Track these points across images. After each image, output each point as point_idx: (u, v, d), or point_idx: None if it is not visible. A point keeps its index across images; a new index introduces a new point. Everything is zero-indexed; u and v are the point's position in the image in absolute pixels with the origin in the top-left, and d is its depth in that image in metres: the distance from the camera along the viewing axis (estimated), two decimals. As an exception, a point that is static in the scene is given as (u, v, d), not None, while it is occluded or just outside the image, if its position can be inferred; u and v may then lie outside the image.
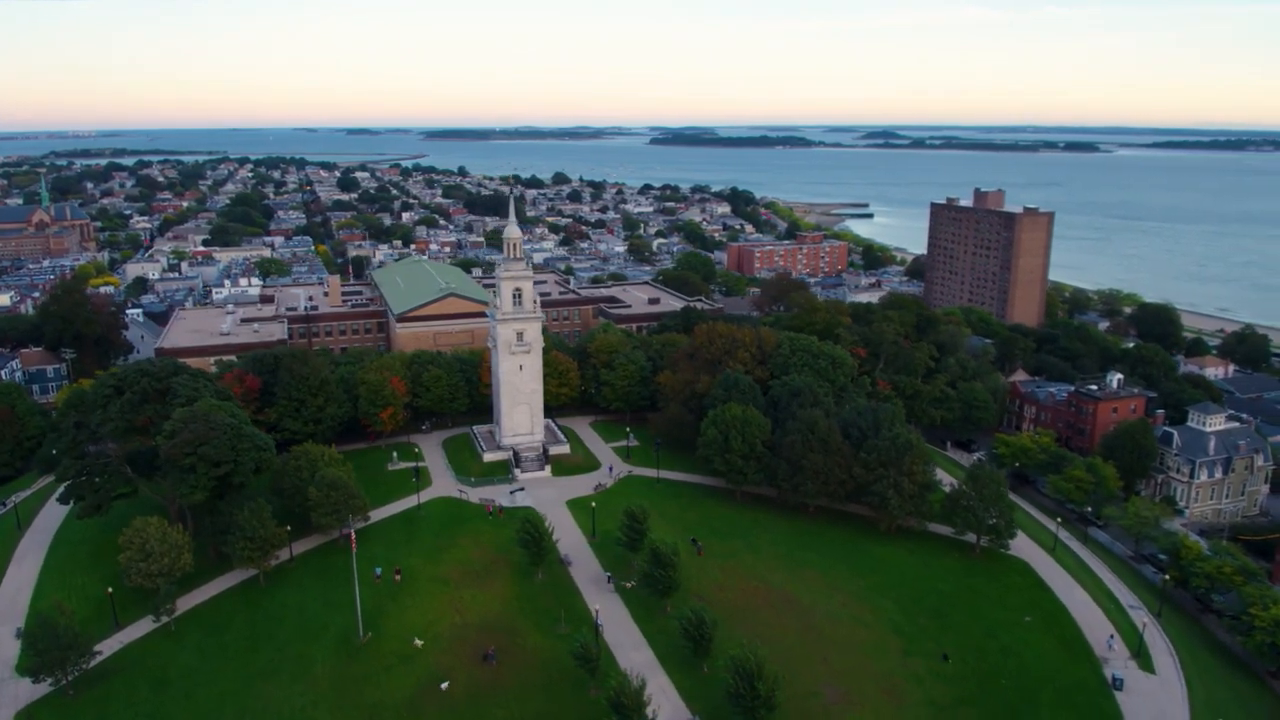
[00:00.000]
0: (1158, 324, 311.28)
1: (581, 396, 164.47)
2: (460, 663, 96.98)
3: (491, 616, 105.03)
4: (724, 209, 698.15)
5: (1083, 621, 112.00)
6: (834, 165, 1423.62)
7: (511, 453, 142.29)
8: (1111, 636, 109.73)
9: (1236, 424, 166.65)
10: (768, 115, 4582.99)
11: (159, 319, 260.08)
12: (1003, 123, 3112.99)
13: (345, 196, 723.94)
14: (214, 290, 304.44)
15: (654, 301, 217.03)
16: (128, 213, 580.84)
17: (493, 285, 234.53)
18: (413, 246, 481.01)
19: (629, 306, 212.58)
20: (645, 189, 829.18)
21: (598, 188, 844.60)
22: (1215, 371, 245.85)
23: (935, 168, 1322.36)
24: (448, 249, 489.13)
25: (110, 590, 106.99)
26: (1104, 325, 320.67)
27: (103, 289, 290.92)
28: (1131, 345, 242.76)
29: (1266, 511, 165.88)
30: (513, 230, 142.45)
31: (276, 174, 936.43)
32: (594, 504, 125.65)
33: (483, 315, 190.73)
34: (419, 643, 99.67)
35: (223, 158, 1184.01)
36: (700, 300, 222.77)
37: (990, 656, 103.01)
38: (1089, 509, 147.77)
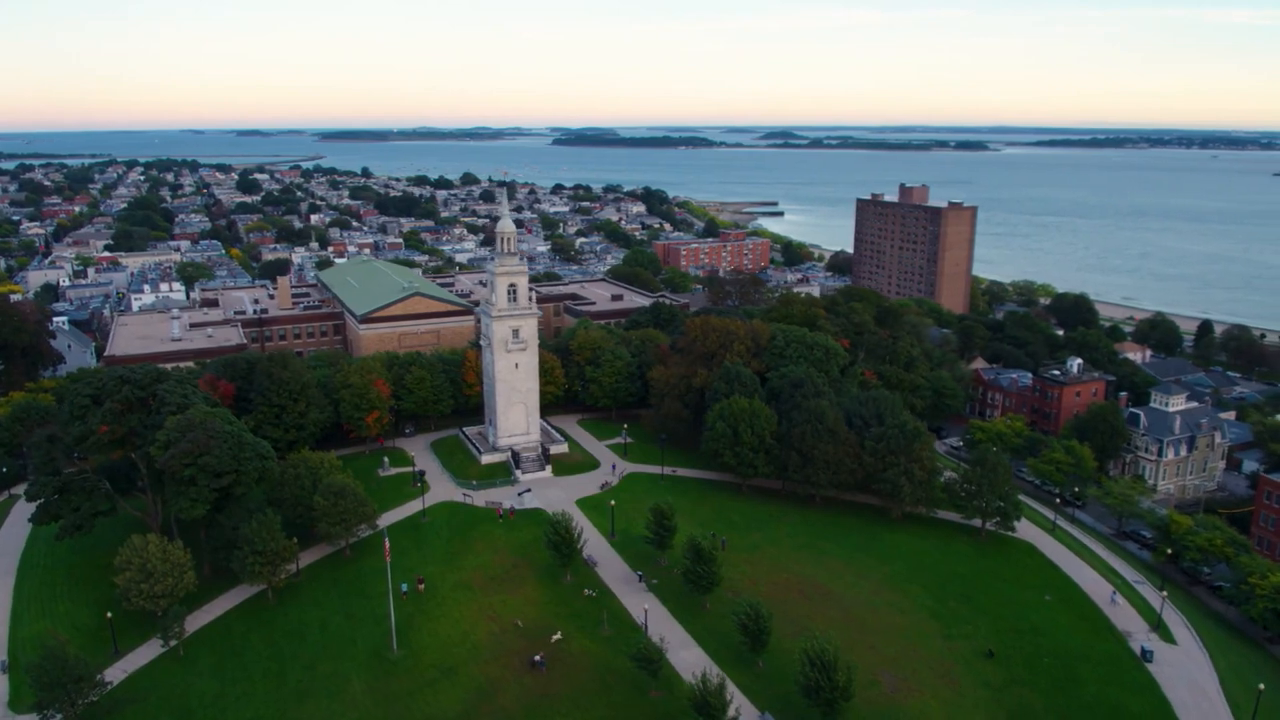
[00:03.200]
0: (1076, 313, 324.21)
1: (566, 395, 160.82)
2: (508, 671, 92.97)
3: (527, 622, 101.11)
4: (639, 208, 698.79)
5: (1097, 598, 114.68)
6: (737, 165, 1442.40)
7: (510, 454, 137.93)
8: (1114, 593, 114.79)
9: (1196, 404, 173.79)
10: (667, 116, 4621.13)
11: (82, 326, 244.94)
12: (895, 123, 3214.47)
13: (248, 199, 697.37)
14: (134, 296, 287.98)
15: (617, 298, 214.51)
16: (16, 218, 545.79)
17: (447, 284, 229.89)
18: (330, 249, 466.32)
19: (593, 303, 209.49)
20: (557, 189, 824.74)
21: (509, 188, 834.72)
22: (1133, 356, 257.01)
23: (835, 167, 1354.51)
24: (366, 250, 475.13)
25: (110, 615, 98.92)
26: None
27: (12, 298, 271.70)
28: (1076, 332, 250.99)
29: (1224, 486, 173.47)
30: (506, 224, 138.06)
31: (170, 177, 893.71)
32: (612, 502, 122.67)
33: (449, 315, 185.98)
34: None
35: (109, 160, 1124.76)
36: (664, 295, 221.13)
37: (1026, 636, 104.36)
38: (1076, 489, 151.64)
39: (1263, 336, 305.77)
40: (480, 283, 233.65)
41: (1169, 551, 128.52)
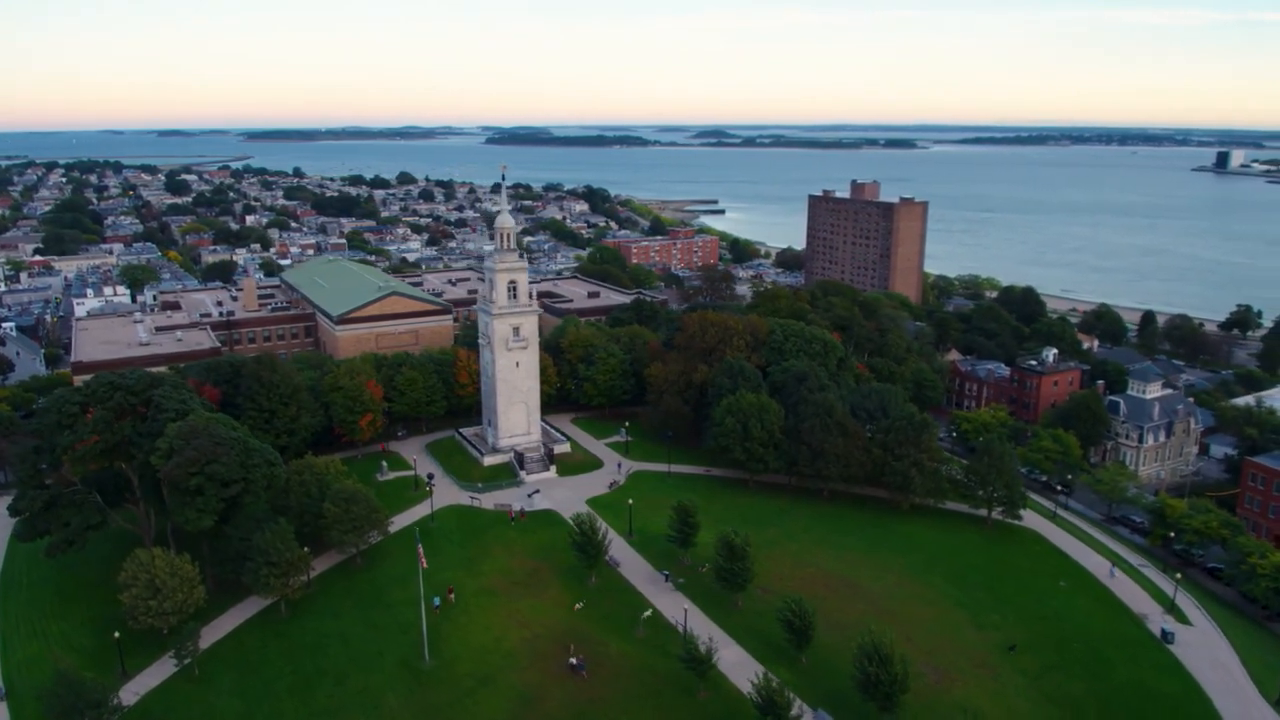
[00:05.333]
0: (1025, 305, 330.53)
1: (559, 394, 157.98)
2: (548, 677, 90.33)
3: (559, 626, 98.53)
4: (582, 207, 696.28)
5: (1108, 582, 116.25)
6: (672, 163, 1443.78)
7: (513, 454, 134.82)
8: (1112, 567, 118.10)
9: (1172, 390, 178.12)
10: (600, 115, 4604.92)
11: (27, 333, 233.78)
12: (825, 121, 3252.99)
13: (178, 200, 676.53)
14: (76, 301, 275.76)
15: (594, 295, 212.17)
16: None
17: (416, 283, 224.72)
18: (273, 249, 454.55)
19: (570, 301, 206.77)
20: (497, 187, 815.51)
21: (448, 187, 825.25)
22: (1083, 346, 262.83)
23: (770, 165, 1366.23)
24: (310, 251, 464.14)
25: (118, 635, 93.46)
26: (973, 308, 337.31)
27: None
28: (1041, 323, 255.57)
29: (1198, 471, 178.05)
30: (505, 220, 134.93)
31: (94, 178, 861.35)
32: (630, 501, 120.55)
33: (427, 314, 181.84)
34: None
35: (28, 162, 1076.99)
36: (642, 292, 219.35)
37: (1050, 623, 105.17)
38: (1069, 476, 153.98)
39: (1201, 326, 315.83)
40: (450, 281, 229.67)
41: (1170, 534, 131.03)
